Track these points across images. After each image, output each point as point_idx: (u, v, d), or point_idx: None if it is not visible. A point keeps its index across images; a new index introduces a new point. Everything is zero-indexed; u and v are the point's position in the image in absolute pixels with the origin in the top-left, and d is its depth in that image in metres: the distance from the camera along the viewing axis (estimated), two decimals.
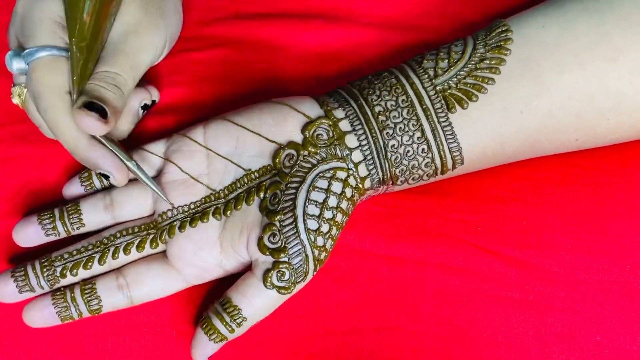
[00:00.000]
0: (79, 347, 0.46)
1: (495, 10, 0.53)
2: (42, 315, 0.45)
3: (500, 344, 0.45)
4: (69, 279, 0.45)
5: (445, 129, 0.44)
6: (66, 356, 0.46)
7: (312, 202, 0.43)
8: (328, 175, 0.44)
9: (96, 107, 0.41)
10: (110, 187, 0.47)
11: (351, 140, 0.44)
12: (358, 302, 0.46)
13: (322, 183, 0.43)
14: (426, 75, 0.45)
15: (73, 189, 0.48)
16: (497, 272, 0.46)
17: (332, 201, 0.43)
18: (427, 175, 0.45)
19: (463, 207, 0.48)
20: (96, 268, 0.46)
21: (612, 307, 0.45)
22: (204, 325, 0.44)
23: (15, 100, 0.46)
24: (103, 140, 0.44)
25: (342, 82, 0.49)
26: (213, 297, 0.47)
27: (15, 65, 0.44)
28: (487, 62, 0.44)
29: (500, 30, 0.45)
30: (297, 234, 0.43)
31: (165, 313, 0.47)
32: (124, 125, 0.48)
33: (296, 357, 0.46)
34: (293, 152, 0.44)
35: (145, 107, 0.49)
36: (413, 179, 0.45)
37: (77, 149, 0.43)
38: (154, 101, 0.49)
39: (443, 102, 0.44)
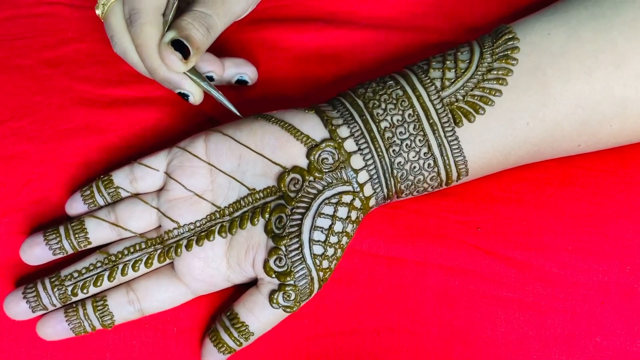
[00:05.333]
0: (80, 344, 0.46)
1: (495, 10, 0.52)
2: (55, 331, 0.45)
3: (500, 345, 0.46)
4: (81, 296, 0.46)
5: (452, 143, 0.43)
6: (68, 352, 0.46)
7: (318, 228, 0.43)
8: (334, 201, 0.43)
9: (182, 45, 0.43)
10: (114, 203, 0.47)
11: (357, 161, 0.44)
12: (358, 302, 0.47)
13: (328, 209, 0.43)
14: (433, 87, 0.44)
15: (76, 206, 0.47)
16: (497, 273, 0.46)
17: (338, 227, 0.43)
18: (431, 187, 0.45)
19: (463, 208, 0.47)
20: (106, 284, 0.46)
21: (612, 308, 0.45)
22: (213, 339, 0.45)
23: (98, 11, 0.47)
24: None
25: (342, 84, 0.49)
26: (214, 297, 0.47)
27: None
28: (495, 72, 0.44)
29: (506, 37, 0.44)
30: (303, 259, 0.43)
31: (166, 311, 0.47)
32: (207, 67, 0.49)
33: (296, 358, 0.46)
34: (298, 177, 0.44)
35: (241, 81, 0.50)
36: (417, 192, 0.45)
37: (161, 68, 0.44)
38: (245, 81, 0.50)
39: (450, 115, 0.43)
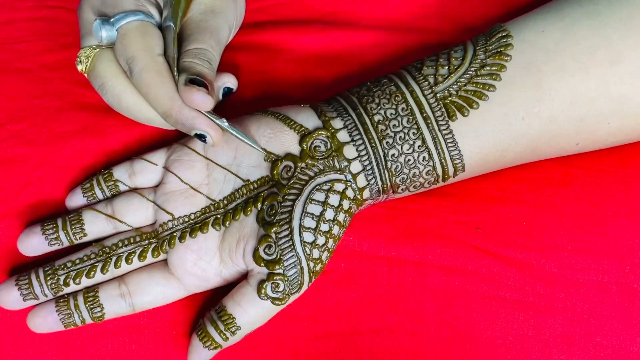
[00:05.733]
0: (79, 348, 0.46)
1: (494, 12, 0.52)
2: (46, 322, 0.45)
3: (499, 345, 0.45)
4: (72, 287, 0.46)
5: (446, 137, 0.44)
6: (67, 356, 0.46)
7: (308, 214, 0.43)
8: (325, 187, 0.43)
9: (198, 83, 0.42)
10: (112, 197, 0.48)
11: (350, 151, 0.44)
12: (357, 303, 0.46)
13: (319, 196, 0.43)
14: (426, 83, 0.44)
15: (76, 199, 0.48)
16: (497, 273, 0.46)
17: (329, 214, 0.43)
18: (428, 182, 0.45)
19: (462, 208, 0.47)
20: (98, 276, 0.46)
21: (612, 307, 0.45)
22: (199, 333, 0.44)
23: (80, 67, 0.46)
24: None
25: (342, 86, 0.49)
26: (213, 299, 0.47)
27: (104, 32, 0.44)
28: (488, 68, 0.44)
29: (500, 35, 0.45)
30: (292, 247, 0.43)
31: (166, 314, 0.47)
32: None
33: (295, 359, 0.46)
34: (291, 164, 0.44)
35: (227, 92, 0.49)
36: (414, 187, 0.45)
37: (172, 111, 0.42)
38: (231, 89, 0.49)
39: (444, 109, 0.44)
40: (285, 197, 0.44)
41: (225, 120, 0.44)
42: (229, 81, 0.48)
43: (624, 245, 0.46)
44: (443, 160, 0.44)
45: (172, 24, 0.44)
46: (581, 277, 0.46)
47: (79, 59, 0.46)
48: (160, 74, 0.43)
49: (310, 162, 0.44)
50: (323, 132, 0.44)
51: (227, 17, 0.47)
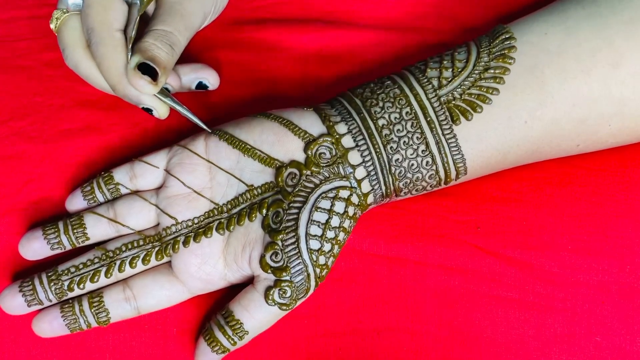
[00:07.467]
0: (80, 344, 0.47)
1: (493, 12, 0.52)
2: (51, 327, 0.45)
3: (500, 344, 0.46)
4: (77, 292, 0.46)
5: (449, 141, 0.44)
6: (67, 353, 0.46)
7: (314, 222, 0.43)
8: (331, 195, 0.43)
9: (147, 68, 0.42)
10: (113, 200, 0.47)
11: (354, 157, 0.44)
12: (358, 302, 0.47)
13: (325, 203, 0.43)
14: (430, 86, 0.44)
15: (76, 202, 0.48)
16: (497, 272, 0.46)
17: (335, 221, 0.43)
18: (430, 186, 0.45)
19: (463, 207, 0.47)
20: (102, 280, 0.46)
21: (612, 307, 0.45)
22: (207, 337, 0.45)
23: (52, 25, 0.47)
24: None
25: (341, 85, 0.49)
26: (214, 297, 0.47)
27: (71, 0, 0.45)
28: (492, 71, 0.44)
29: (503, 37, 0.44)
30: (299, 254, 0.43)
31: (166, 311, 0.47)
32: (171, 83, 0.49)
33: (296, 358, 0.46)
34: (295, 171, 0.44)
35: (202, 86, 0.49)
36: (416, 190, 0.45)
37: (120, 85, 0.43)
38: (205, 86, 0.49)
39: (447, 114, 0.44)
40: (291, 205, 0.44)
41: (170, 98, 0.44)
42: (207, 77, 0.49)
43: (624, 245, 0.46)
44: (446, 165, 0.44)
45: (138, 2, 0.44)
46: (581, 277, 0.46)
47: (51, 19, 0.46)
48: (115, 49, 0.43)
49: (315, 169, 0.44)
50: (328, 139, 0.44)
51: (204, 2, 0.47)
